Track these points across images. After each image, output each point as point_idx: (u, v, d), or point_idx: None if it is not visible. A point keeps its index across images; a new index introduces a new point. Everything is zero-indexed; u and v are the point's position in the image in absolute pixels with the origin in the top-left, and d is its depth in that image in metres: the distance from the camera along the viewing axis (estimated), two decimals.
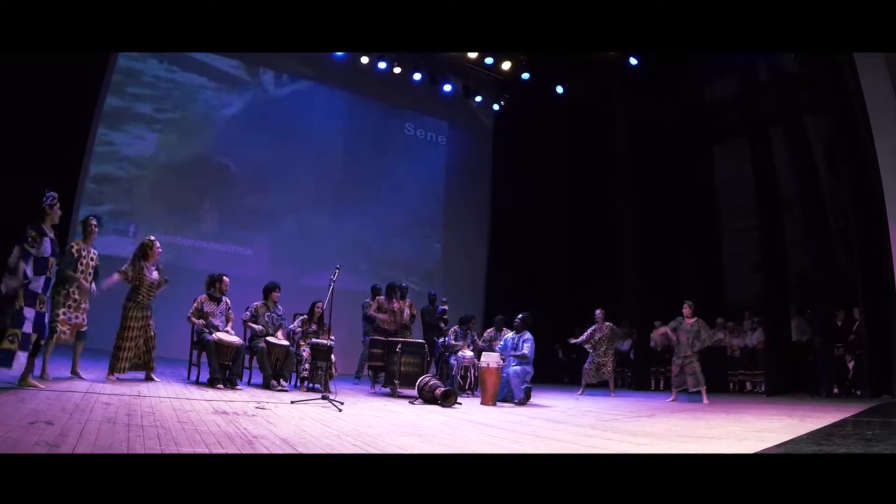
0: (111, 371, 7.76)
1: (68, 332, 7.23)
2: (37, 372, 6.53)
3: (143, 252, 8.20)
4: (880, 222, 11.18)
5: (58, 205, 6.45)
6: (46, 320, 6.45)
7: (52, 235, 6.34)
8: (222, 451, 3.82)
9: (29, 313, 6.01)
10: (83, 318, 7.40)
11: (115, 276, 8.01)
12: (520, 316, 10.52)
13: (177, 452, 3.67)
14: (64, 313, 7.18)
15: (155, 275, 8.23)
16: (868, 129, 11.31)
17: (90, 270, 7.48)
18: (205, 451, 3.81)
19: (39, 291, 6.16)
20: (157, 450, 3.67)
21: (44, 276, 6.21)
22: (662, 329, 11.81)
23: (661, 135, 16.49)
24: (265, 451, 3.99)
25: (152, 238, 8.43)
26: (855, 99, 11.50)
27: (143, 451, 3.59)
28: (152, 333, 8.23)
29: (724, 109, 15.84)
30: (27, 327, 5.99)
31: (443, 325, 11.71)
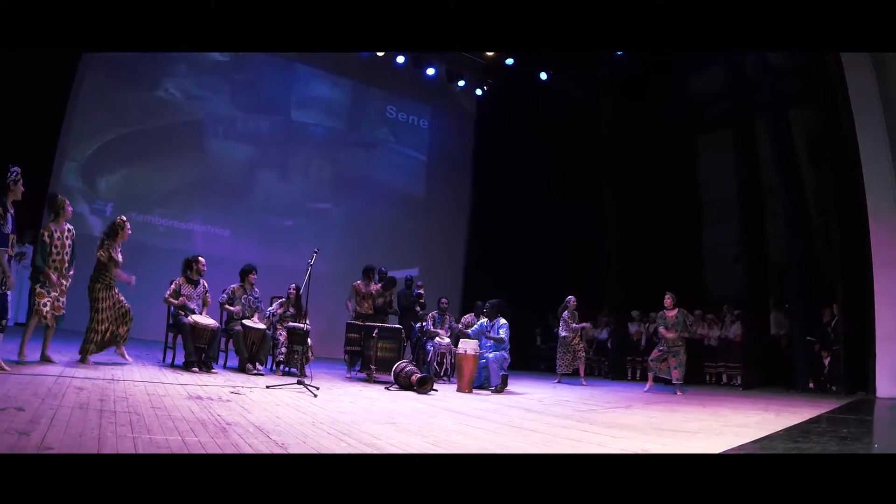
0: (84, 353, 7.65)
1: (48, 314, 7.13)
2: (8, 355, 6.46)
3: (115, 232, 8.02)
4: (861, 219, 11.24)
5: (21, 181, 6.33)
6: (11, 301, 6.37)
7: (12, 212, 6.24)
8: (195, 439, 3.80)
9: None
10: (63, 302, 7.31)
11: (131, 278, 8.02)
12: (489, 302, 10.53)
13: (148, 439, 3.65)
14: (47, 293, 7.09)
15: (119, 256, 8.09)
16: (852, 125, 11.36)
17: (66, 251, 7.34)
18: (177, 438, 3.79)
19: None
20: (128, 437, 3.65)
21: (6, 255, 6.12)
22: (665, 332, 11.64)
23: (646, 124, 16.49)
24: (238, 438, 3.98)
25: (123, 218, 8.25)
26: (840, 94, 11.53)
27: (114, 438, 3.56)
28: (127, 307, 8.10)
29: (709, 101, 15.87)
30: None
31: (419, 308, 11.68)
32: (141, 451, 3.37)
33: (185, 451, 3.48)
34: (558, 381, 12.47)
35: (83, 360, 7.55)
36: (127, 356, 8.15)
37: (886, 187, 11.09)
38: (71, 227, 7.48)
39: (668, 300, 11.48)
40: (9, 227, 6.15)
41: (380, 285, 11.14)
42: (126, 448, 3.39)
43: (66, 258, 7.32)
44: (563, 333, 12.66)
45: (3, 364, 6.02)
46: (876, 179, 11.14)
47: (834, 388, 11.94)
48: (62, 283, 7.31)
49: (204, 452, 3.50)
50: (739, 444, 5.03)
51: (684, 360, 11.23)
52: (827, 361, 12.35)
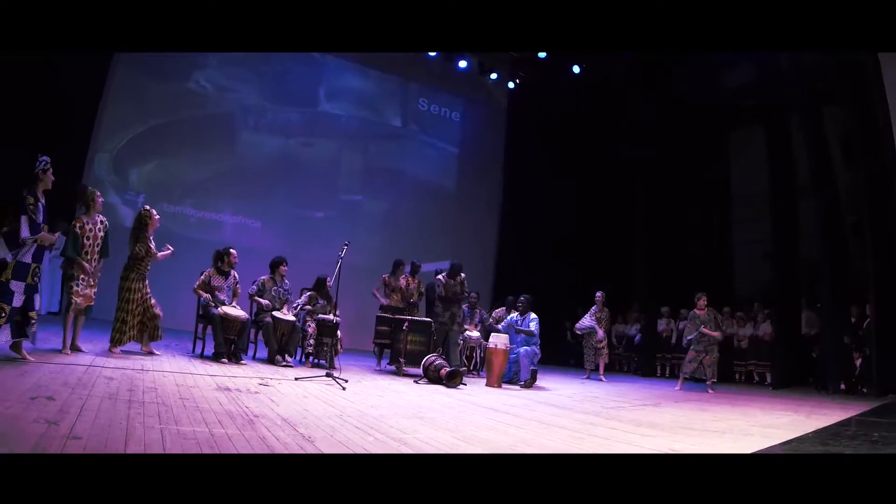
0: (114, 344, 7.68)
1: (82, 302, 7.18)
2: (41, 344, 6.50)
3: (143, 223, 8.03)
4: (894, 215, 11.07)
5: (51, 170, 6.33)
6: (42, 293, 6.40)
7: (43, 201, 6.26)
8: (222, 431, 3.79)
9: (17, 287, 5.93)
10: (93, 293, 7.35)
11: (168, 251, 8.05)
12: (523, 297, 10.50)
13: (176, 431, 3.65)
14: (77, 284, 7.13)
15: (153, 245, 8.12)
16: (888, 122, 11.15)
17: (98, 242, 7.37)
18: (204, 430, 3.78)
19: (30, 261, 6.07)
20: (156, 428, 3.65)
21: (35, 245, 6.14)
22: (710, 331, 11.52)
23: (677, 118, 16.31)
24: (265, 431, 3.96)
25: (148, 207, 8.32)
26: (875, 91, 11.33)
27: (142, 429, 3.56)
28: (152, 302, 8.10)
29: (741, 95, 15.62)
30: (16, 301, 5.91)
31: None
32: (168, 442, 3.36)
33: (213, 443, 3.46)
34: (587, 377, 12.40)
35: (111, 349, 7.60)
36: (154, 350, 8.16)
37: None
38: (104, 219, 7.51)
39: (702, 301, 11.34)
40: (40, 217, 6.16)
41: (411, 278, 11.18)
42: (153, 439, 3.38)
43: (97, 249, 7.35)
44: (584, 325, 12.59)
45: (25, 354, 6.05)
46: None
47: (865, 390, 11.74)
48: (95, 275, 7.35)
49: (230, 446, 3.48)
50: (769, 445, 4.95)
51: (717, 358, 11.14)
52: (858, 362, 12.15)
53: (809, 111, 13.58)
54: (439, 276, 10.39)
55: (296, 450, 3.55)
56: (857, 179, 12.58)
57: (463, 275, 10.58)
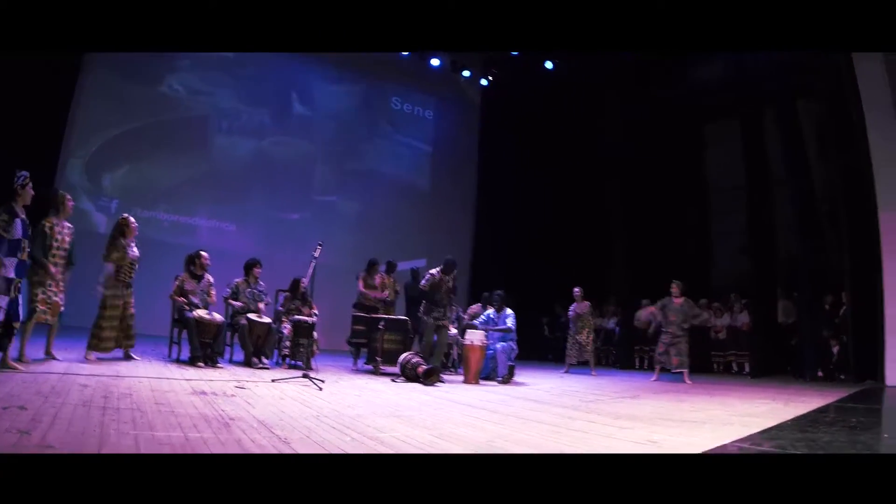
0: (90, 349, 7.66)
1: (48, 311, 7.12)
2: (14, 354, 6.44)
3: (121, 231, 8.03)
4: (869, 208, 11.25)
5: (30, 185, 6.29)
6: (21, 303, 6.36)
7: (23, 216, 6.19)
8: (197, 435, 3.78)
9: (2, 301, 5.89)
10: (61, 298, 7.28)
11: (110, 267, 7.90)
12: (497, 293, 10.54)
13: (151, 436, 3.63)
14: (43, 292, 7.06)
15: (136, 251, 8.11)
16: (861, 115, 11.33)
17: (65, 247, 7.30)
18: (179, 434, 3.76)
19: (12, 276, 6.00)
20: (130, 434, 3.63)
21: (16, 259, 6.06)
22: (650, 308, 11.77)
23: (652, 112, 16.41)
24: (241, 433, 3.95)
25: (125, 215, 8.28)
26: (849, 85, 11.49)
27: (116, 436, 3.54)
28: (131, 311, 8.10)
29: (716, 89, 15.73)
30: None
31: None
32: (143, 448, 3.35)
33: (188, 447, 3.45)
34: (566, 371, 12.46)
35: (87, 355, 7.59)
36: (134, 356, 8.15)
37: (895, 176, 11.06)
38: (70, 226, 7.45)
39: (675, 288, 11.49)
40: (18, 233, 6.09)
41: (387, 277, 11.18)
42: (127, 445, 3.37)
43: (65, 254, 7.28)
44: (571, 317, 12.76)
45: (13, 363, 6.01)
46: (885, 169, 11.15)
47: (842, 377, 11.91)
48: (61, 278, 7.28)
49: (206, 450, 3.47)
50: (748, 433, 4.99)
51: (685, 349, 11.26)
52: (835, 350, 12.32)
53: (784, 105, 13.76)
54: (432, 272, 10.09)
55: (271, 451, 3.55)
56: (831, 172, 12.76)
57: (455, 272, 10.38)
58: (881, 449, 4.39)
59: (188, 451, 3.38)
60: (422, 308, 10.07)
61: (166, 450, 3.36)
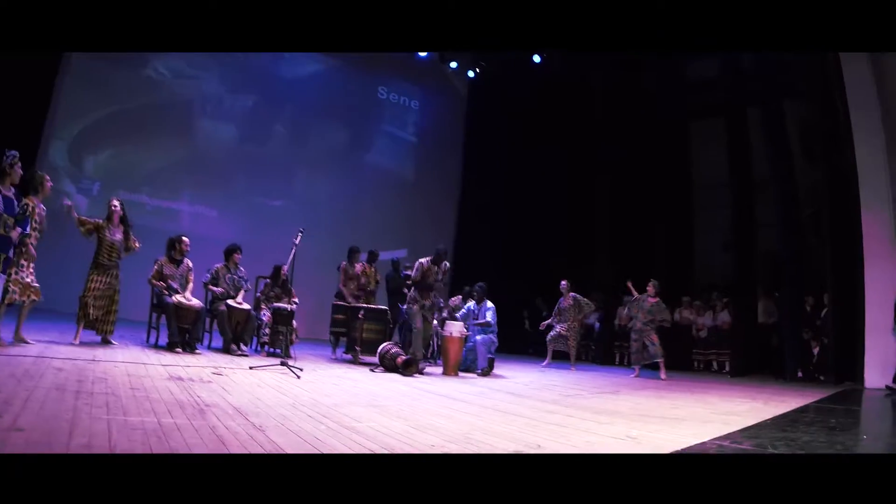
0: (79, 322, 7.72)
1: (18, 291, 7.03)
2: None
3: (108, 215, 8.11)
4: (853, 209, 11.32)
5: (19, 164, 6.30)
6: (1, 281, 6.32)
7: (9, 194, 6.20)
8: (171, 421, 3.74)
9: None
10: (33, 278, 7.20)
11: (74, 214, 7.85)
12: (478, 285, 10.54)
13: (123, 421, 3.59)
14: (16, 272, 6.98)
15: (119, 236, 8.06)
16: (847, 116, 11.39)
17: (42, 228, 7.23)
18: (153, 420, 3.72)
19: None
20: (103, 419, 3.59)
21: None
22: (634, 292, 11.83)
23: (639, 108, 16.44)
24: (216, 420, 3.92)
25: (111, 199, 8.33)
26: (835, 85, 11.55)
27: (88, 420, 3.50)
28: (116, 298, 8.08)
29: (703, 88, 15.79)
30: None
31: (406, 290, 11.62)
32: (114, 433, 3.30)
33: (160, 433, 3.40)
34: (545, 365, 12.48)
35: (75, 339, 7.63)
36: (113, 341, 8.09)
37: (880, 179, 11.16)
38: (44, 209, 7.39)
39: (650, 287, 11.57)
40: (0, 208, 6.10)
41: (368, 266, 11.16)
42: (99, 430, 3.32)
43: (39, 235, 7.23)
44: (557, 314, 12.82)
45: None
46: (870, 171, 11.21)
47: (822, 378, 12.01)
48: (32, 260, 7.22)
49: (178, 436, 3.42)
50: (728, 431, 5.01)
51: (655, 339, 11.36)
52: (816, 351, 12.41)
53: (769, 104, 13.80)
54: (421, 261, 9.92)
55: (245, 439, 3.51)
56: (815, 172, 12.83)
57: (447, 263, 10.20)
58: (857, 449, 4.40)
59: (161, 436, 3.34)
60: (409, 296, 9.94)
61: (138, 434, 3.31)
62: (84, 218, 7.92)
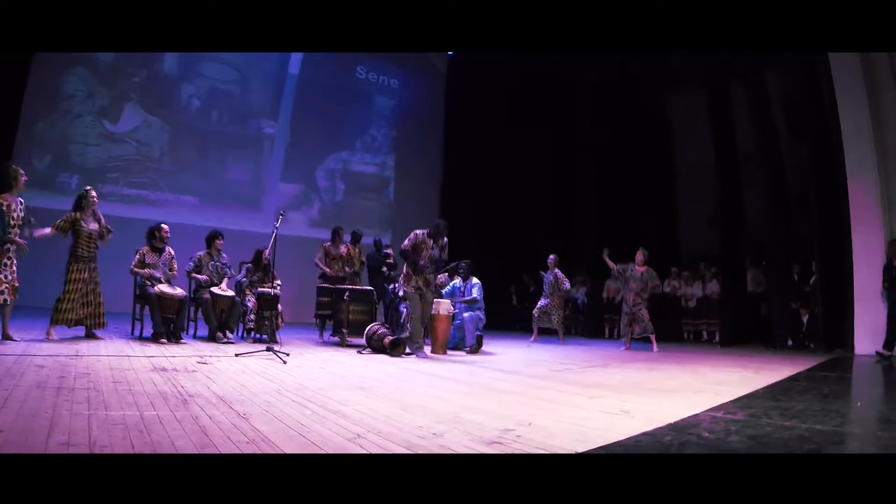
0: (52, 324, 7.59)
1: (6, 291, 6.98)
2: None
3: (79, 203, 7.97)
4: (838, 178, 11.37)
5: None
6: None
7: None
8: (153, 413, 3.69)
9: None
10: (14, 277, 7.14)
11: (47, 231, 7.73)
12: (463, 263, 10.51)
13: (105, 416, 3.54)
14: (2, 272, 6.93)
15: (94, 226, 7.97)
16: (831, 86, 11.41)
17: (19, 223, 7.17)
18: (135, 413, 3.67)
19: None
20: (84, 414, 3.54)
21: None
22: (613, 266, 11.79)
23: (621, 83, 16.34)
24: (199, 410, 3.88)
25: (87, 188, 8.18)
26: (818, 57, 11.56)
27: (68, 417, 3.45)
28: (99, 290, 8.04)
29: (685, 62, 15.70)
30: None
31: (385, 269, 11.54)
32: (95, 429, 3.24)
33: (141, 426, 3.34)
34: (532, 341, 12.50)
35: (48, 331, 7.50)
36: (98, 335, 8.06)
37: (865, 147, 11.22)
38: (22, 202, 7.31)
39: (639, 256, 11.57)
40: None
41: (352, 246, 11.12)
42: (79, 427, 3.26)
43: (19, 231, 7.15)
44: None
45: None
46: (855, 140, 11.30)
47: (812, 346, 12.12)
48: (16, 259, 7.16)
49: (160, 428, 3.38)
50: (720, 402, 5.01)
51: (646, 315, 11.37)
52: (805, 319, 12.49)
53: (752, 77, 13.83)
54: (417, 231, 9.22)
55: (228, 428, 3.46)
56: (801, 141, 12.89)
57: (446, 238, 9.37)
58: (847, 426, 4.38)
59: (142, 430, 3.29)
60: (403, 273, 9.33)
61: (120, 429, 3.26)
62: (57, 222, 7.76)
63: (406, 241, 9.26)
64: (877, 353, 10.40)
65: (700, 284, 14.78)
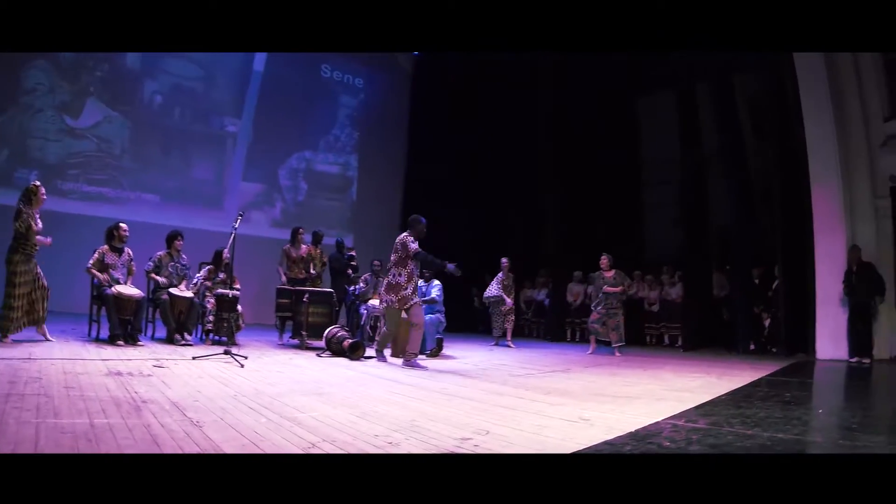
0: (4, 334, 7.38)
1: None
2: None
3: (28, 198, 7.67)
4: (803, 183, 11.52)
5: None
6: None
7: None
8: (104, 421, 3.63)
9: None
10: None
11: (48, 240, 7.63)
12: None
13: (53, 424, 3.48)
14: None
15: (39, 224, 7.76)
16: (796, 90, 11.55)
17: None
18: (85, 421, 3.60)
19: None
20: (31, 423, 3.47)
21: None
22: (610, 288, 11.66)
23: (586, 83, 16.38)
24: (151, 417, 3.82)
25: (37, 183, 7.87)
26: (783, 59, 11.68)
27: (15, 425, 3.38)
28: (43, 283, 7.82)
29: (651, 61, 15.78)
30: None
31: (350, 271, 11.48)
32: (42, 438, 3.18)
33: (90, 435, 3.28)
34: (495, 344, 12.53)
35: (3, 339, 7.29)
36: (48, 335, 7.85)
37: (829, 152, 11.41)
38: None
39: (604, 261, 11.59)
40: None
41: (313, 247, 11.07)
42: (26, 435, 3.20)
43: None
44: (491, 293, 12.80)
45: None
46: (819, 144, 11.46)
47: (774, 350, 12.23)
48: None
49: (111, 437, 3.32)
50: (682, 409, 5.03)
51: (622, 321, 11.39)
52: (767, 323, 12.63)
53: (718, 79, 13.90)
54: (406, 235, 8.99)
55: (181, 437, 3.41)
56: (766, 145, 13.01)
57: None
58: (809, 435, 4.42)
59: (91, 439, 3.23)
60: (385, 285, 8.84)
61: (68, 438, 3.21)
62: (17, 224, 7.52)
63: (414, 244, 8.86)
64: (858, 360, 10.50)
65: (662, 288, 14.85)
